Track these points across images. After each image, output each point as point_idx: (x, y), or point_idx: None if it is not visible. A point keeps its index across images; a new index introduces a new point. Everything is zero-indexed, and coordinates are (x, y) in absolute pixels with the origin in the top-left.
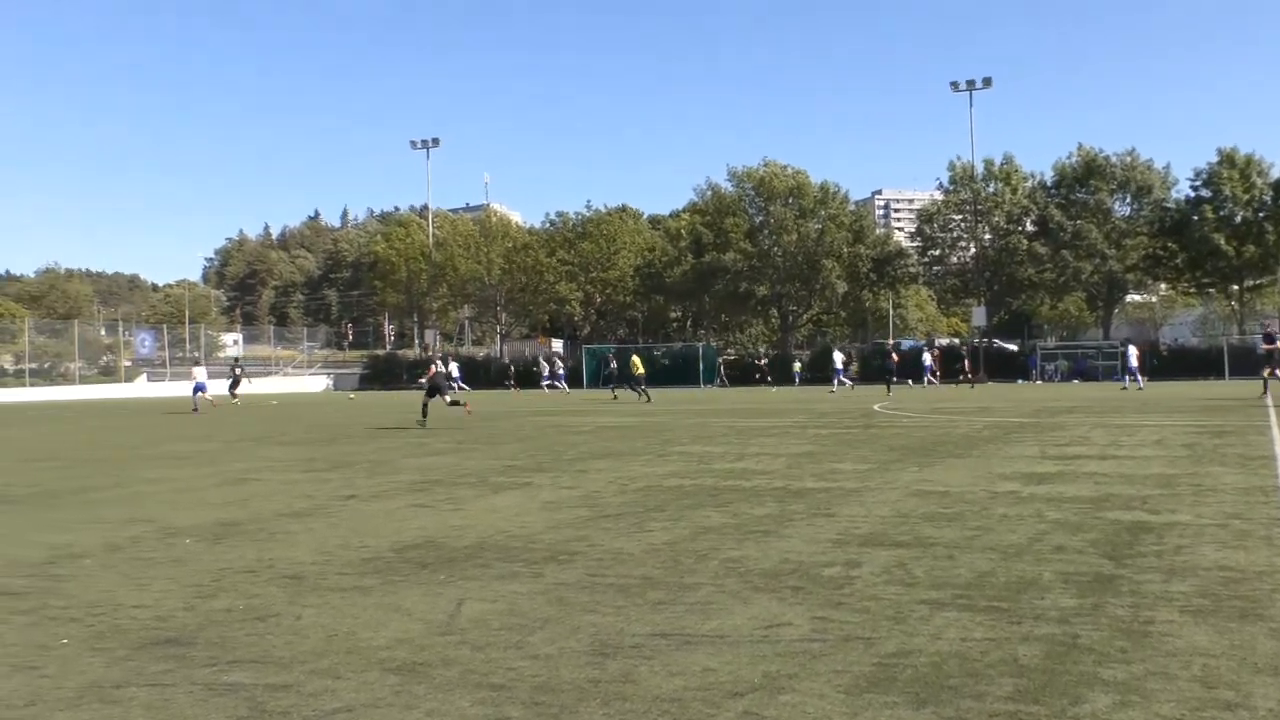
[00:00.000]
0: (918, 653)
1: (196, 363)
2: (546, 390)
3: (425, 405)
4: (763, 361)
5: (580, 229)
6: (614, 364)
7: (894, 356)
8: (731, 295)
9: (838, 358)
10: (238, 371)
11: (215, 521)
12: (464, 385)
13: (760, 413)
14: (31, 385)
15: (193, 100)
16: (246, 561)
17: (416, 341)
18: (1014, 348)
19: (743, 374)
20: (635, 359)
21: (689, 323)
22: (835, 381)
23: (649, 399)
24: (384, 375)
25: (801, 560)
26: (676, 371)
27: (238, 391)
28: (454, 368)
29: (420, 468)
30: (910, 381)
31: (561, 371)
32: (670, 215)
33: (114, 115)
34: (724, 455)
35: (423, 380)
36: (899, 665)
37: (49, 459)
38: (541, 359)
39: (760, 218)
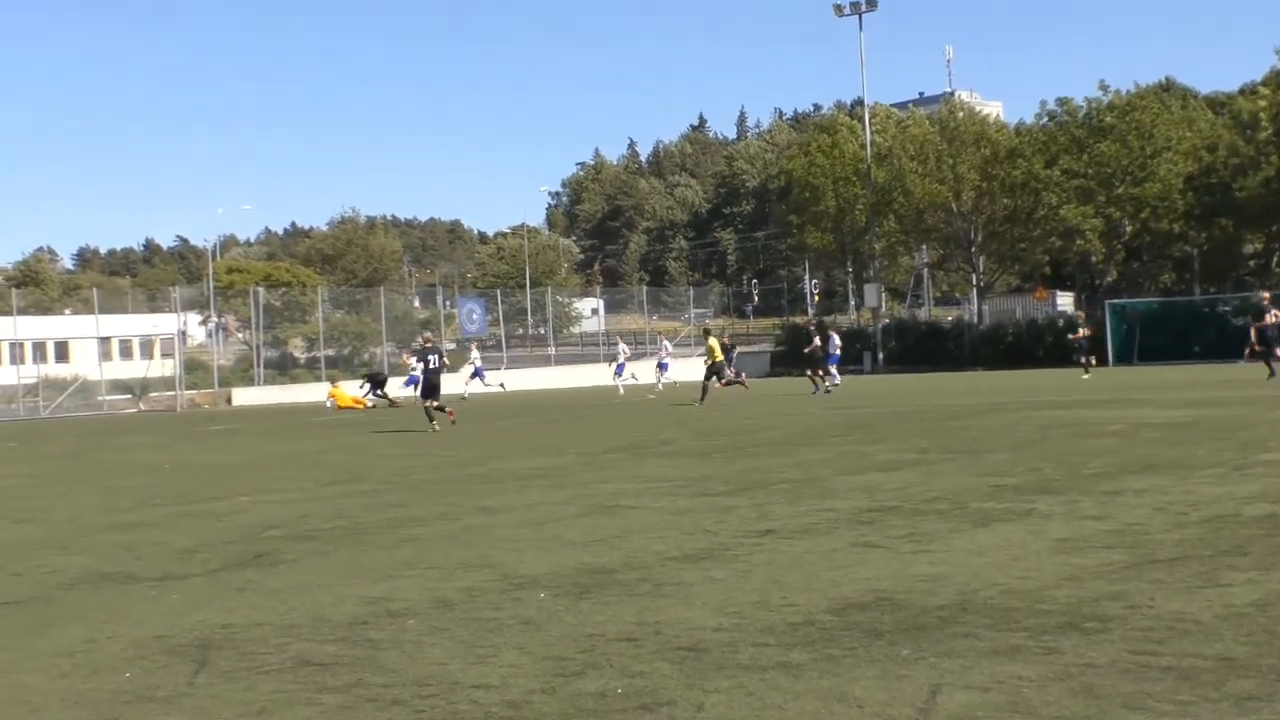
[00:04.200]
0: None
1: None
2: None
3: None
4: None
5: (1096, 123)
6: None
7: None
8: None
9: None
10: (421, 364)
11: (577, 567)
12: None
13: None
14: (328, 379)
15: None
16: (624, 625)
17: (852, 301)
18: None
19: None
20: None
21: (1275, 260)
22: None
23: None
24: (802, 355)
25: None
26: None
27: (390, 393)
28: (836, 341)
29: (865, 488)
30: None
31: (666, 361)
32: (1241, 92)
33: (424, 31)
34: None
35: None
36: None
37: (352, 480)
38: (666, 346)
39: None
